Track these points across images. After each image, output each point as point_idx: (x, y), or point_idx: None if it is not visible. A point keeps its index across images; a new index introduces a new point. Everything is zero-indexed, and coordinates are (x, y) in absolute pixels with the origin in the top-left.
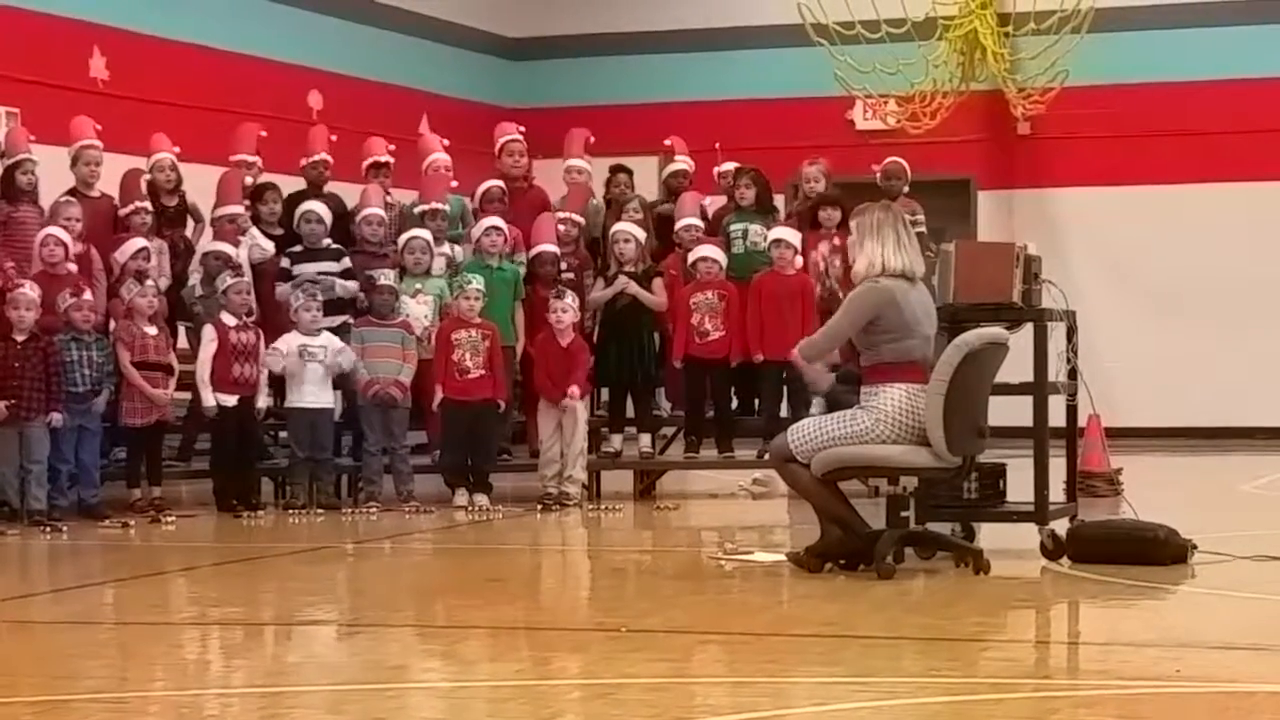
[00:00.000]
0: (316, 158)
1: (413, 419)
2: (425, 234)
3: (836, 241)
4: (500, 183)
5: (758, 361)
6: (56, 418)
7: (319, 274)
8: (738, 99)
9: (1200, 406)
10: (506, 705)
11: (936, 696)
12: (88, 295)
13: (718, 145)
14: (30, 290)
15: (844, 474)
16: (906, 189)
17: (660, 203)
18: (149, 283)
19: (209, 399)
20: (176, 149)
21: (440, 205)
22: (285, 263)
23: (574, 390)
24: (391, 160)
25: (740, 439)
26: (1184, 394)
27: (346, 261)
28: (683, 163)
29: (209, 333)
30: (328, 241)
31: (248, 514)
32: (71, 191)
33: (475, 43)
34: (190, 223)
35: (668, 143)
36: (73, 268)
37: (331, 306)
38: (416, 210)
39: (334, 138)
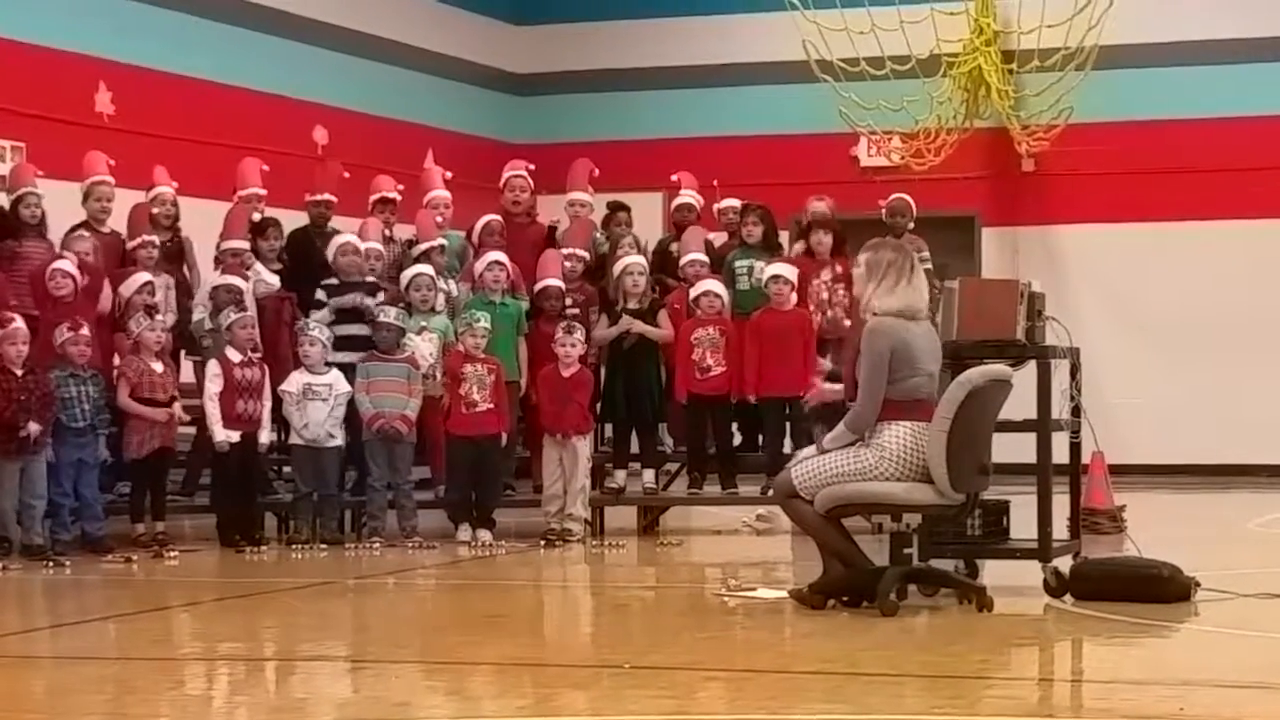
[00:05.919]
0: (320, 197)
1: (416, 454)
2: (429, 270)
3: (839, 269)
4: (498, 218)
5: (753, 402)
6: (34, 427)
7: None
8: (742, 135)
9: (1204, 444)
10: None
11: None
12: (85, 331)
13: (715, 182)
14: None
15: (848, 510)
16: (911, 225)
17: (670, 239)
18: (158, 318)
19: (220, 435)
20: (175, 184)
21: (437, 241)
22: (321, 295)
23: (572, 435)
24: (399, 197)
25: (744, 475)
26: (1188, 431)
27: (381, 295)
28: (688, 196)
29: (215, 368)
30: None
31: (251, 549)
32: (84, 225)
33: (481, 78)
34: (187, 257)
35: (674, 178)
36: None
37: (353, 343)
38: (413, 252)
39: (347, 175)
